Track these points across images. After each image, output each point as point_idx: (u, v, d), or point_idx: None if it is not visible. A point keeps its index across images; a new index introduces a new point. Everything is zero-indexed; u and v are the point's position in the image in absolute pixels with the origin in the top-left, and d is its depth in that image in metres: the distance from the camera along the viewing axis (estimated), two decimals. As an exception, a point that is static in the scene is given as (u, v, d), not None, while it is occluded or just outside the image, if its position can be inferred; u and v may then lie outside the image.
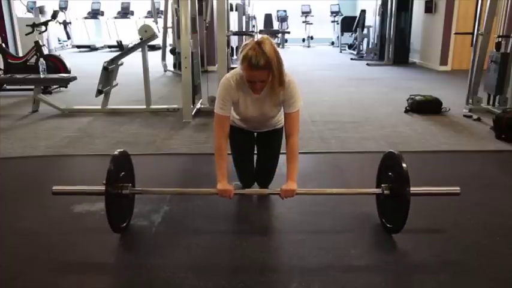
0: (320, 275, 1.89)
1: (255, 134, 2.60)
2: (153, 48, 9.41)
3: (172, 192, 2.60)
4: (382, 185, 2.19)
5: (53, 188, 2.15)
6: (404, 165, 2.02)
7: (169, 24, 8.02)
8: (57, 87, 6.13)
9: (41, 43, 6.24)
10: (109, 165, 2.04)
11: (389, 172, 2.17)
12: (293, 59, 10.83)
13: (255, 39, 2.05)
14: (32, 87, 5.04)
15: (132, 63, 5.68)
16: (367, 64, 9.21)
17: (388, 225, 2.19)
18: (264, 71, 2.02)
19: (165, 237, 2.24)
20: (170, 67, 8.08)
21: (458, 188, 2.11)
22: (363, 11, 10.87)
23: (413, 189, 1.98)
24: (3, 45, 6.54)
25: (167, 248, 2.12)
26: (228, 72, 4.74)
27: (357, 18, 10.98)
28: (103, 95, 4.86)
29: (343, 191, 2.46)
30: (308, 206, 2.55)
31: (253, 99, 2.25)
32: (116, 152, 2.15)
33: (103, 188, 1.99)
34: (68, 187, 2.27)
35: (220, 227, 2.36)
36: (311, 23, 13.45)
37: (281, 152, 2.72)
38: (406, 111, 4.88)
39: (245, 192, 2.31)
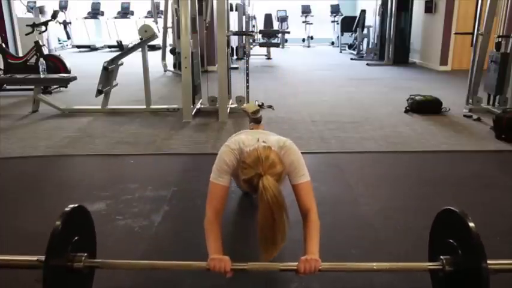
0: (320, 275, 1.89)
1: None
2: (153, 48, 9.40)
3: (146, 266, 1.83)
4: (442, 258, 1.56)
5: None
6: (472, 226, 1.46)
7: (169, 24, 8.02)
8: (57, 87, 6.12)
9: (41, 43, 6.25)
10: (54, 225, 1.48)
11: (450, 239, 1.57)
12: (293, 59, 10.84)
13: (260, 167, 1.61)
14: (32, 87, 5.04)
15: (132, 63, 5.68)
16: (367, 64, 9.21)
17: None
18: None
19: (165, 237, 2.24)
20: (170, 67, 8.08)
21: None
22: (363, 11, 10.88)
23: (492, 262, 1.41)
24: (3, 45, 6.54)
25: (167, 247, 2.12)
26: (227, 72, 4.68)
27: (357, 18, 10.98)
28: (103, 95, 4.86)
29: (386, 266, 1.74)
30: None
31: None
32: (68, 208, 1.61)
33: (42, 257, 1.45)
34: (3, 257, 1.70)
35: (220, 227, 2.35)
36: (311, 23, 13.45)
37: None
38: (406, 111, 4.88)
39: (247, 267, 1.64)
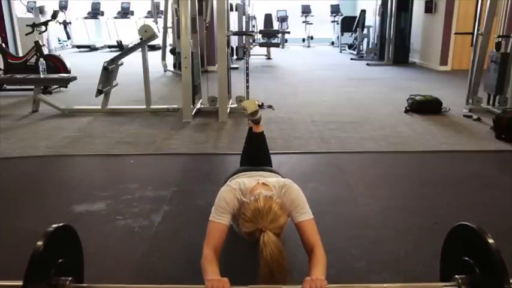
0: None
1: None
2: (153, 48, 9.40)
3: None
4: (457, 277, 1.42)
5: None
6: (492, 243, 1.33)
7: (169, 24, 8.03)
8: (57, 87, 6.12)
9: (41, 43, 6.25)
10: (35, 246, 1.32)
11: (466, 256, 1.44)
12: (293, 59, 10.84)
13: (261, 222, 1.58)
14: (32, 87, 5.04)
15: (132, 63, 5.68)
16: (367, 64, 9.21)
17: None
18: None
19: (165, 237, 2.24)
20: (170, 67, 8.08)
21: None
22: (363, 11, 10.87)
23: None
24: (3, 45, 6.54)
25: (167, 247, 2.12)
26: (227, 72, 4.67)
27: (357, 18, 10.97)
28: (103, 95, 4.86)
29: (397, 286, 1.70)
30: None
31: None
32: (51, 228, 1.44)
33: (20, 283, 1.29)
34: None
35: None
36: (311, 23, 13.45)
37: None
38: (406, 111, 4.88)
39: None
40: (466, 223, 1.49)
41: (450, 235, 1.59)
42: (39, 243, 1.34)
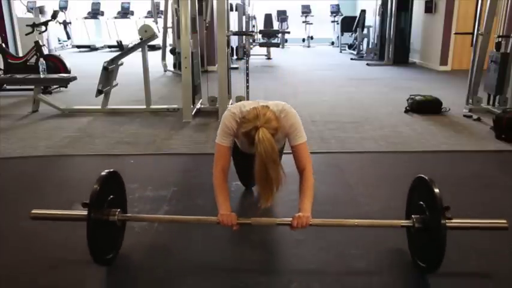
0: (320, 275, 1.89)
1: None
2: (153, 48, 9.41)
3: (167, 220, 2.34)
4: (413, 216, 1.87)
5: (32, 211, 1.95)
6: (437, 191, 1.73)
7: (169, 24, 8.02)
8: (57, 87, 6.13)
9: (41, 43, 6.24)
10: (94, 185, 1.79)
11: (420, 201, 1.87)
12: (293, 59, 10.84)
13: (257, 121, 1.82)
14: (32, 87, 5.04)
15: (132, 63, 5.68)
16: (367, 64, 9.21)
17: (421, 264, 1.85)
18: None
19: (165, 237, 2.24)
20: (170, 67, 8.08)
21: (506, 222, 1.80)
22: (363, 11, 10.87)
23: (450, 222, 1.70)
24: (3, 45, 6.54)
25: (167, 247, 2.12)
26: (227, 72, 4.70)
27: (357, 18, 10.97)
28: (103, 95, 4.86)
29: (366, 223, 2.02)
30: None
31: None
32: (104, 172, 1.89)
33: (85, 212, 1.75)
34: (48, 211, 2.00)
35: (220, 226, 2.35)
36: (311, 23, 13.45)
37: (284, 152, 2.74)
38: (406, 111, 4.88)
39: (251, 222, 1.90)
40: (422, 176, 1.89)
41: (412, 185, 2.00)
42: (96, 185, 1.79)
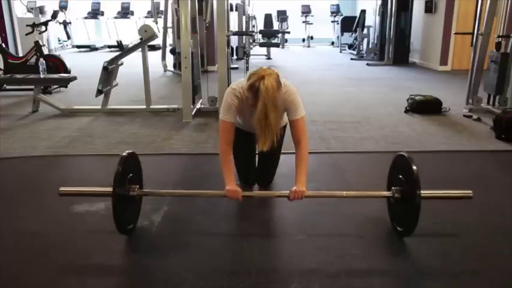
0: (320, 275, 1.89)
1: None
2: (153, 48, 9.40)
3: (179, 194, 2.62)
4: (393, 188, 2.16)
5: (60, 189, 2.15)
6: (414, 167, 2.00)
7: (169, 24, 8.02)
8: (57, 87, 6.12)
9: (41, 43, 6.24)
10: (117, 166, 2.05)
11: (400, 175, 2.15)
12: (293, 59, 10.83)
13: (262, 72, 2.07)
14: (32, 87, 5.04)
15: (132, 63, 5.68)
16: (367, 64, 9.20)
17: (398, 229, 2.17)
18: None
19: (165, 237, 2.25)
20: (170, 67, 8.08)
21: (471, 192, 2.09)
22: (363, 11, 10.87)
23: (424, 192, 1.96)
24: (3, 45, 6.54)
25: (167, 248, 2.12)
26: (227, 72, 4.73)
27: (357, 18, 10.97)
28: (103, 95, 4.86)
29: (353, 193, 2.35)
30: (307, 205, 2.55)
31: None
32: (124, 153, 2.16)
33: (110, 189, 2.00)
34: (75, 188, 2.26)
35: (221, 227, 2.36)
36: (311, 23, 13.45)
37: (282, 151, 2.74)
38: (406, 111, 4.88)
39: (253, 194, 2.23)
40: (402, 153, 2.17)
41: (393, 161, 2.27)
42: (119, 166, 2.06)
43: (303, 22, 13.48)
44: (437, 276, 1.87)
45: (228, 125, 2.24)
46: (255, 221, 2.43)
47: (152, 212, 2.47)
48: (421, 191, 1.95)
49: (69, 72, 6.15)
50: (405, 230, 2.10)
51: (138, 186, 2.21)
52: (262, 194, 2.27)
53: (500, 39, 4.76)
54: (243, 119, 2.39)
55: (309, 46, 13.31)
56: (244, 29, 9.75)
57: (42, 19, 7.63)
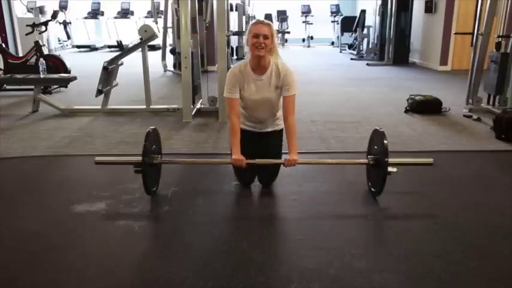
0: (320, 275, 1.89)
1: (257, 135, 2.69)
2: (153, 48, 9.41)
3: (191, 162, 3.18)
4: (369, 157, 2.64)
5: (96, 158, 2.62)
6: (385, 141, 2.46)
7: (169, 24, 8.02)
8: (57, 87, 6.13)
9: (41, 43, 6.24)
10: (144, 140, 2.48)
11: (375, 146, 2.61)
12: (293, 59, 10.82)
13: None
14: (32, 87, 5.04)
15: (132, 63, 5.68)
16: (367, 64, 9.21)
17: (372, 189, 2.64)
18: (267, 27, 2.44)
19: (165, 237, 2.25)
20: (170, 67, 8.08)
21: (431, 160, 2.57)
22: (363, 11, 10.87)
23: (390, 160, 2.43)
24: (3, 45, 6.54)
25: (167, 248, 2.12)
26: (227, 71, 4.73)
27: (357, 18, 10.97)
28: (103, 95, 4.86)
29: (338, 161, 2.89)
30: (307, 206, 2.56)
31: (256, 84, 2.53)
32: (149, 129, 2.58)
33: (140, 159, 2.43)
34: (109, 158, 2.88)
35: (220, 227, 2.36)
36: (311, 23, 13.45)
37: (283, 152, 2.75)
38: (406, 111, 4.88)
39: (255, 162, 2.50)
40: (377, 128, 2.62)
41: (371, 136, 2.72)
42: (145, 140, 2.49)
43: (303, 22, 13.48)
44: (437, 276, 1.87)
45: (233, 101, 2.53)
46: (255, 221, 2.44)
47: (152, 212, 2.47)
48: (389, 159, 2.41)
49: (69, 72, 6.15)
50: (376, 190, 2.56)
51: (159, 155, 2.65)
52: (263, 161, 2.53)
53: (500, 39, 4.76)
54: (244, 97, 2.57)
55: (309, 46, 13.31)
56: (244, 29, 9.75)
57: (42, 19, 7.62)
